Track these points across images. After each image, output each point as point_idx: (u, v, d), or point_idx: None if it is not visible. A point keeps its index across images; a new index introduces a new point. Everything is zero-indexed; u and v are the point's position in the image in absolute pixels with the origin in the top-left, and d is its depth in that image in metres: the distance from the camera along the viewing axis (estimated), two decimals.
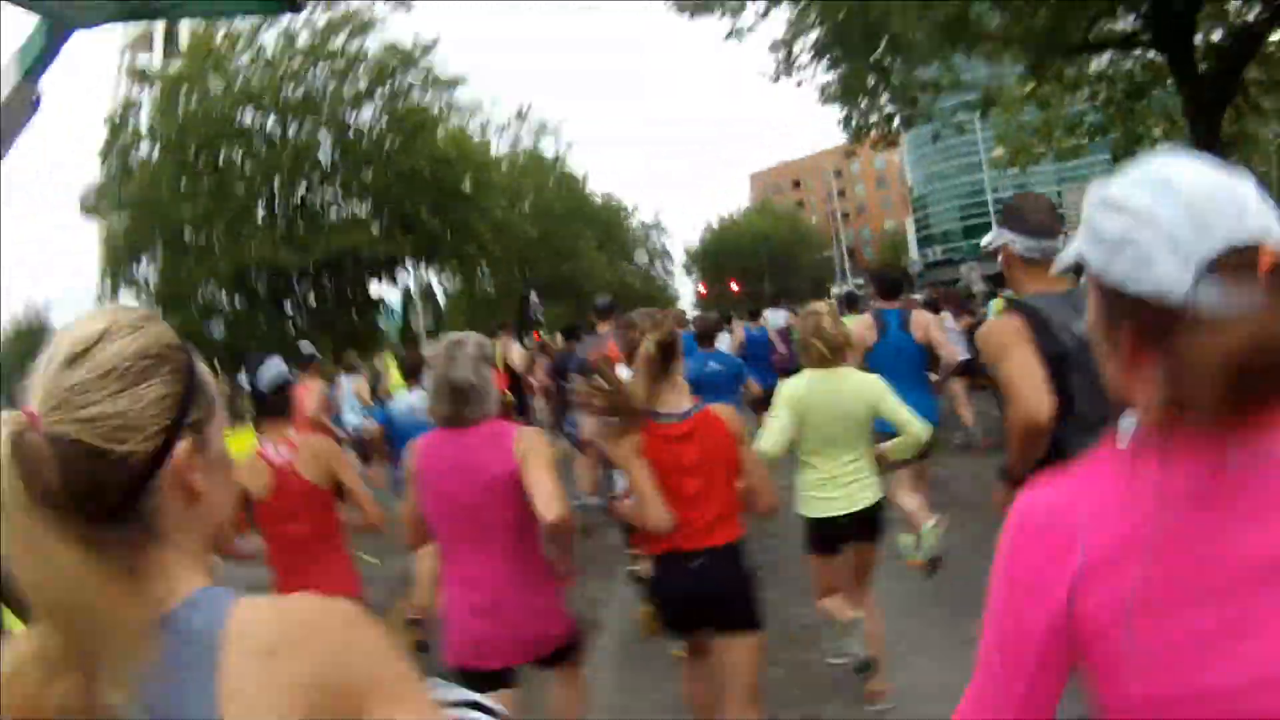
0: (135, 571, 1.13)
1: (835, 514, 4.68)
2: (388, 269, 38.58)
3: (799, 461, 4.80)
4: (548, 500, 3.27)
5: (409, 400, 7.24)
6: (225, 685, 1.08)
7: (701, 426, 3.71)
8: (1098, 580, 1.09)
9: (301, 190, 35.81)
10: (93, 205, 35.24)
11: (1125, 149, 22.06)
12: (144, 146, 34.02)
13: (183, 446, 1.18)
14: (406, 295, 41.30)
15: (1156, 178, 1.13)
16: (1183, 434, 1.06)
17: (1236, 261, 1.04)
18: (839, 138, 25.55)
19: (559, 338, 13.62)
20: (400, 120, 36.25)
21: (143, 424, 1.13)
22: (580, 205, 56.70)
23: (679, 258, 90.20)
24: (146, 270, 34.90)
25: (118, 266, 34.30)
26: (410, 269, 40.19)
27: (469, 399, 3.55)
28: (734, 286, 73.80)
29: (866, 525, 4.73)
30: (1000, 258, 3.33)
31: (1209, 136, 16.27)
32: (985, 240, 3.39)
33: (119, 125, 33.98)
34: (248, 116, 34.42)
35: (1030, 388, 2.88)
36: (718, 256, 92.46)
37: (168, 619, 1.12)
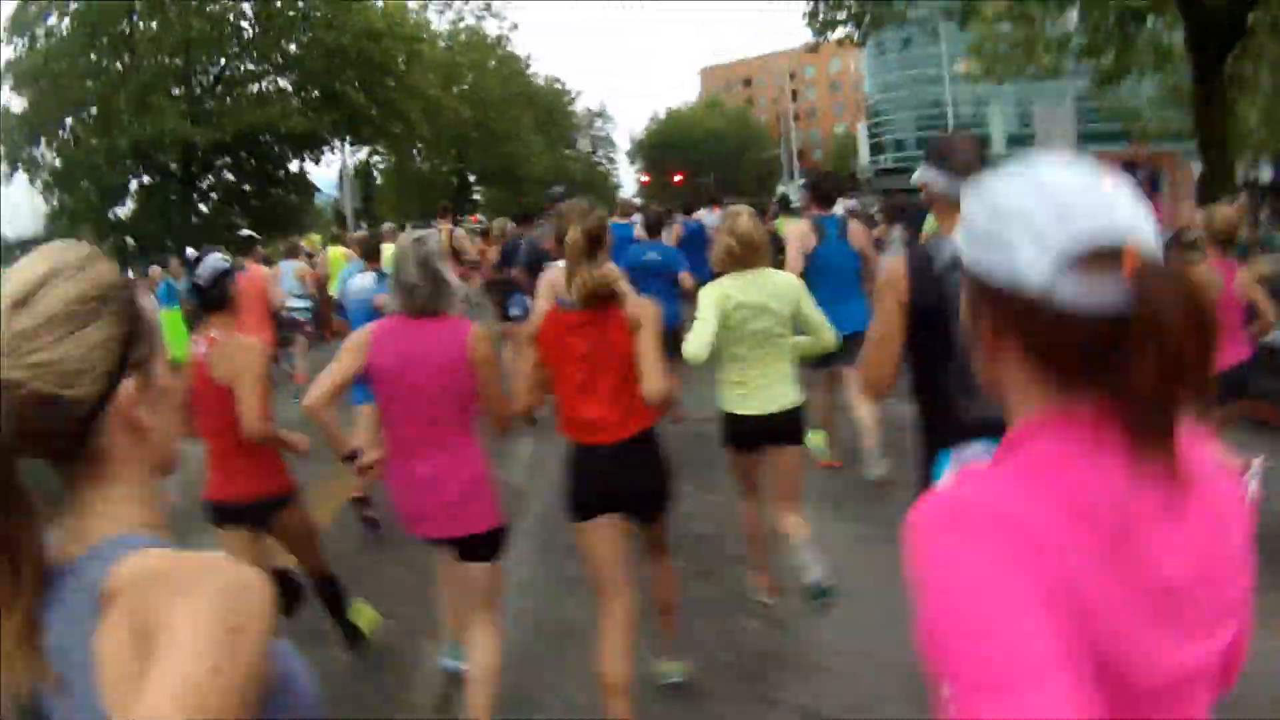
0: (84, 508, 1.17)
1: (752, 412, 4.77)
2: (310, 147, 36.57)
3: (722, 359, 4.84)
4: (497, 404, 3.94)
5: (363, 282, 7.34)
6: (100, 635, 1.07)
7: (599, 319, 3.81)
8: (1062, 588, 1.02)
9: (219, 63, 33.53)
10: None
11: (1110, 76, 20.27)
12: (51, 20, 31.59)
13: (128, 385, 1.19)
14: (341, 174, 39.05)
15: (1029, 175, 1.14)
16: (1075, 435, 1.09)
17: (1099, 259, 1.04)
18: (795, 39, 24.10)
19: (507, 224, 13.67)
20: None
21: (89, 367, 1.15)
22: (521, 88, 54.54)
23: (624, 147, 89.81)
24: (45, 151, 32.57)
25: (15, 149, 31.84)
26: (337, 148, 38.21)
27: (433, 294, 3.83)
28: (677, 179, 72.35)
29: (785, 427, 4.81)
30: (922, 194, 3.32)
31: (1209, 75, 15.62)
32: (915, 176, 3.38)
33: None
34: None
35: (876, 359, 3.04)
36: (663, 149, 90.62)
37: (74, 566, 1.14)
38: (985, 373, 1.24)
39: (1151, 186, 16.75)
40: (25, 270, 1.18)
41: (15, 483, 1.09)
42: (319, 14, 33.85)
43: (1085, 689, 0.97)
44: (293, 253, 15.32)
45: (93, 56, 31.09)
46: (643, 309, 3.86)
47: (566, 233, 3.78)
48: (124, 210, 33.59)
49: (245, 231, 13.11)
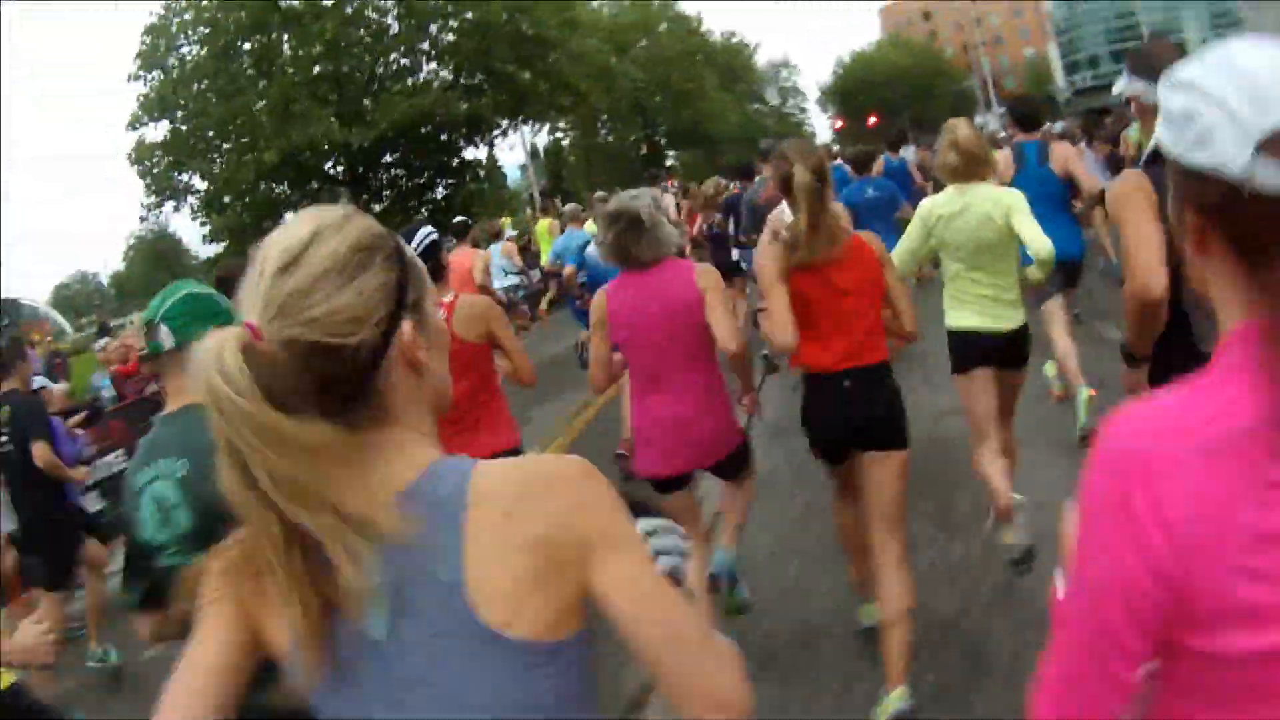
0: (375, 450, 1.21)
1: (977, 328, 4.73)
2: (478, 131, 34.10)
3: (944, 275, 4.87)
4: (728, 334, 3.96)
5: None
6: (469, 546, 1.16)
7: (851, 253, 3.83)
8: (1200, 528, 1.02)
9: (365, 62, 31.42)
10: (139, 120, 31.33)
11: None
12: (184, 48, 30.46)
13: (407, 326, 1.25)
14: (534, 153, 37.69)
15: (1222, 58, 1.12)
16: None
17: None
18: None
19: (720, 183, 13.79)
20: None
21: (368, 313, 1.19)
22: (697, 47, 51.91)
23: (812, 95, 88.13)
24: (192, 177, 31.37)
25: (161, 180, 30.75)
26: (510, 129, 36.02)
27: (646, 240, 4.01)
28: (871, 121, 69.06)
29: (1011, 347, 4.75)
30: (1132, 107, 3.36)
31: None
32: (1116, 88, 3.39)
33: (159, 29, 30.41)
34: None
35: (1143, 260, 2.87)
36: (853, 92, 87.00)
37: (412, 490, 1.20)
38: (1193, 272, 1.21)
39: None
40: (289, 234, 1.23)
41: (320, 429, 1.13)
42: None
43: (1144, 642, 1.05)
44: (496, 236, 15.80)
45: (231, 76, 29.72)
46: (706, 274, 4.04)
47: (790, 174, 3.75)
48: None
49: (459, 218, 12.58)
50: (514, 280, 14.63)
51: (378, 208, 32.73)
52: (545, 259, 12.74)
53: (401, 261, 1.26)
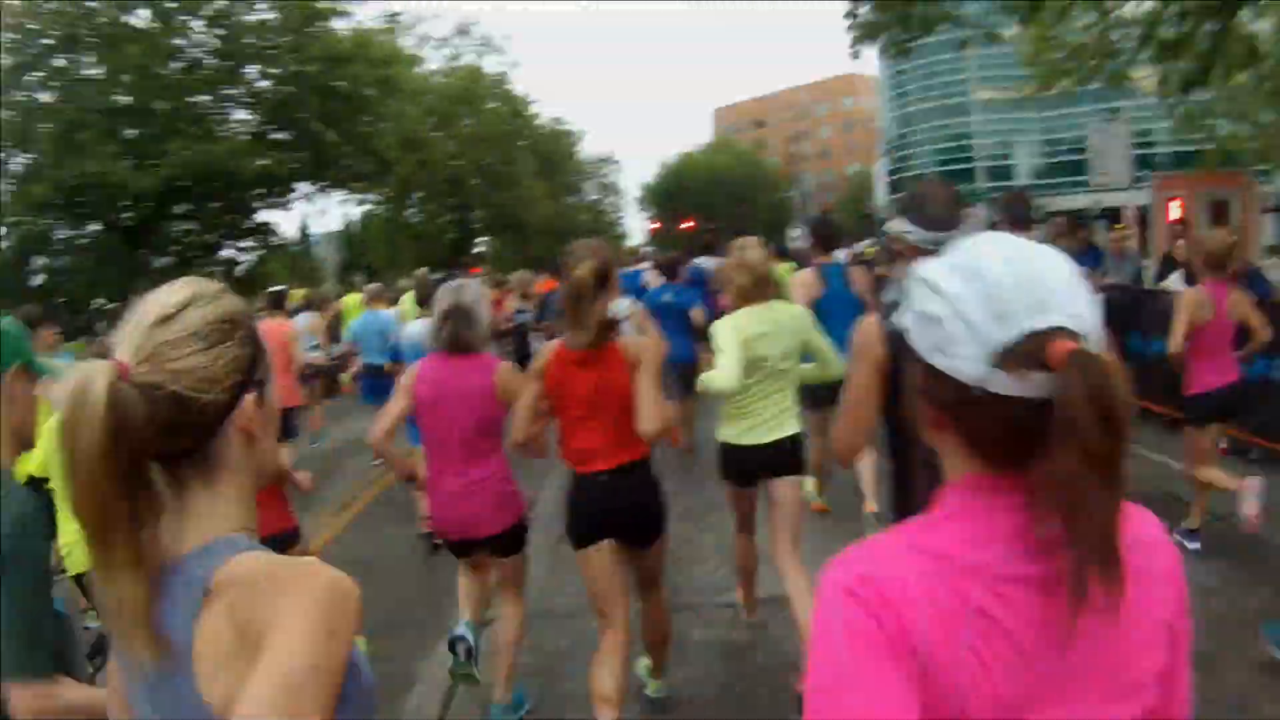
0: (186, 509, 1.35)
1: (753, 442, 4.90)
2: (271, 192, 31.06)
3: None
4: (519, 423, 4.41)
5: (417, 331, 7.86)
6: (203, 630, 1.25)
7: (602, 355, 4.05)
8: (907, 643, 1.12)
9: (175, 95, 27.67)
10: None
11: (1190, 80, 16.78)
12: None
13: (250, 398, 1.40)
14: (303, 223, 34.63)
15: (968, 264, 1.19)
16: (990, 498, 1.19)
17: (1028, 349, 1.10)
18: (808, 74, 21.51)
19: (520, 277, 15.30)
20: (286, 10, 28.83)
21: (221, 377, 1.34)
22: (520, 129, 50.61)
23: (634, 194, 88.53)
24: None
25: None
26: (316, 194, 33.48)
27: (468, 332, 4.53)
28: (686, 225, 70.04)
29: (784, 457, 4.92)
30: (897, 247, 3.45)
31: None
32: (885, 227, 3.52)
33: None
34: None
35: (850, 416, 2.99)
36: (673, 194, 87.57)
37: (181, 563, 1.31)
38: (927, 439, 1.31)
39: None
40: (169, 294, 1.37)
41: (148, 476, 1.29)
42: (281, 39, 28.96)
43: None
44: (308, 306, 16.28)
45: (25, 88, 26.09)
46: (642, 348, 4.13)
47: (574, 271, 4.00)
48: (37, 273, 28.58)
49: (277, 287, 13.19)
50: (316, 354, 14.59)
51: (159, 262, 29.62)
52: (345, 334, 12.70)
53: (255, 342, 1.43)
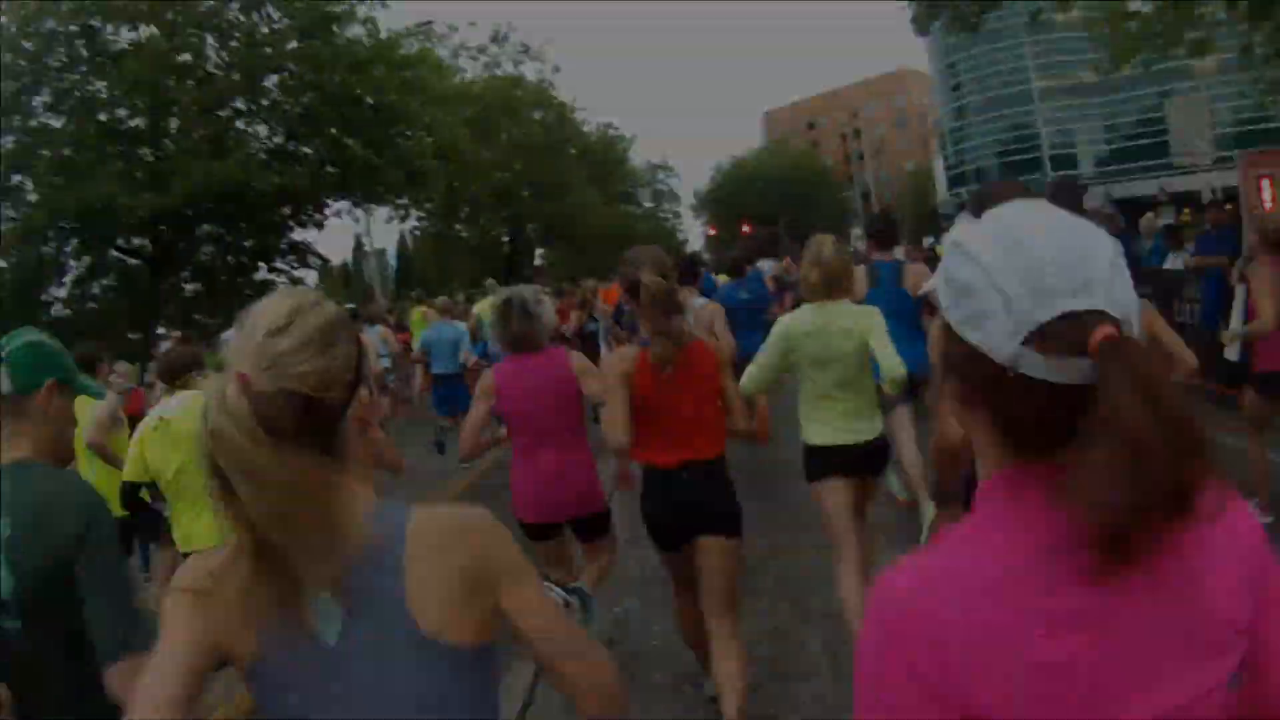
0: (335, 487, 1.48)
1: (831, 442, 4.85)
2: (298, 209, 28.74)
3: (800, 391, 4.99)
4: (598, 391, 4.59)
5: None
6: (409, 570, 1.47)
7: (688, 356, 4.13)
8: (979, 671, 1.04)
9: (189, 113, 25.42)
10: None
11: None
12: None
13: (364, 392, 1.58)
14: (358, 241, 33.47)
15: (1009, 234, 1.12)
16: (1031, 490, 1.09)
17: (1066, 332, 1.04)
18: (854, 73, 21.00)
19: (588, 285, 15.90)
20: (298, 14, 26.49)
21: (339, 377, 1.51)
22: (568, 136, 48.85)
23: (688, 200, 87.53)
24: None
25: None
26: (347, 210, 31.40)
27: (530, 329, 4.87)
28: (745, 229, 67.51)
29: (865, 459, 4.87)
30: None
31: None
32: (953, 228, 2.68)
33: None
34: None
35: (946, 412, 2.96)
36: (729, 198, 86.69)
37: (367, 520, 1.50)
38: (958, 417, 1.24)
39: None
40: (275, 305, 1.51)
41: (337, 442, 1.52)
42: (293, 45, 26.68)
43: None
44: (372, 320, 16.51)
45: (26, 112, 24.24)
46: (718, 349, 4.36)
47: (637, 279, 4.08)
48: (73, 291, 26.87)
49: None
50: (386, 363, 15.02)
51: (190, 289, 28.45)
52: (415, 344, 13.52)
53: (357, 339, 1.59)
